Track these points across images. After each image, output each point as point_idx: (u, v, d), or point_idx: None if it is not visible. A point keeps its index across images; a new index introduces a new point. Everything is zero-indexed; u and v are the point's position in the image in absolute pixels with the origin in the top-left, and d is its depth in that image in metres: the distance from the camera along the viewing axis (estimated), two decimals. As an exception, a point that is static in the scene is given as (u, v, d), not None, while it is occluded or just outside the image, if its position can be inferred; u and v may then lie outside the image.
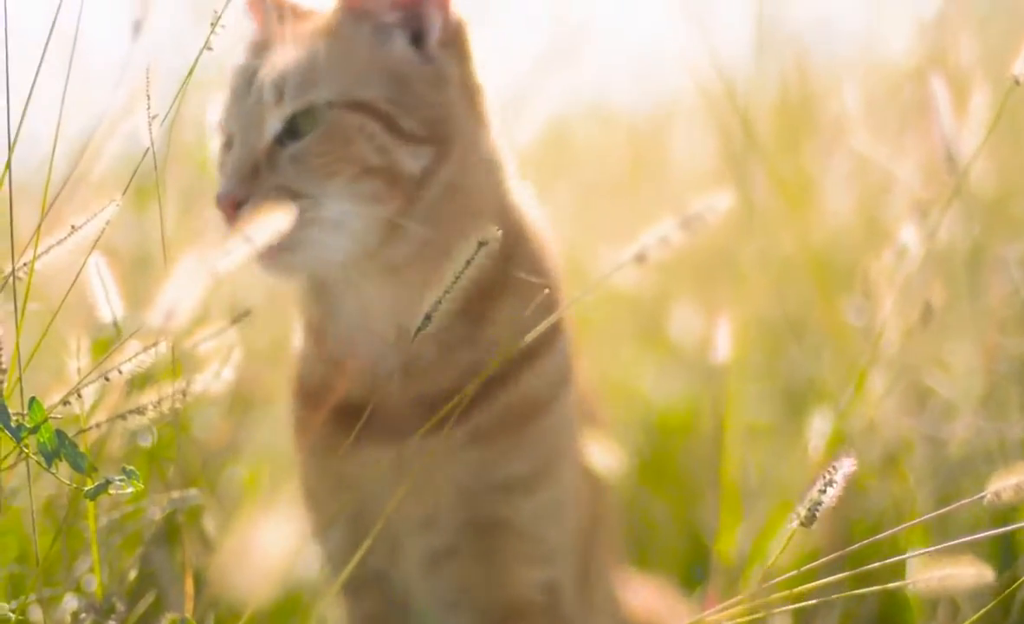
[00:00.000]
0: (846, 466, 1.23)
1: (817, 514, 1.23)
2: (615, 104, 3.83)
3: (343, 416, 1.53)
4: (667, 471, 2.56)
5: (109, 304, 1.34)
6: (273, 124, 1.46)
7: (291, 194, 1.43)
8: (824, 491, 1.23)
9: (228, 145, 1.49)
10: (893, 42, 2.71)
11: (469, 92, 1.55)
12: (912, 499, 1.96)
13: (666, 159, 3.46)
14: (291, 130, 1.46)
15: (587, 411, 1.74)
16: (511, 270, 1.50)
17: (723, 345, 1.76)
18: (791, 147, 2.62)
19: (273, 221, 1.08)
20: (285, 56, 1.47)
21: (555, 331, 1.58)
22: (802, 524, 1.24)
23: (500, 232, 1.46)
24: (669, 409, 2.64)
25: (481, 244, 1.21)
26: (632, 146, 3.68)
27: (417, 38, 1.52)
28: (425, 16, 1.52)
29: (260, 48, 1.50)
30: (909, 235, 1.75)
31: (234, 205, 1.42)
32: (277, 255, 1.38)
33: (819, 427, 1.90)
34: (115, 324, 1.33)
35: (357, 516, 1.55)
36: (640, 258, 1.13)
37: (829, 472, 1.23)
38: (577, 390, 1.67)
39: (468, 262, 1.20)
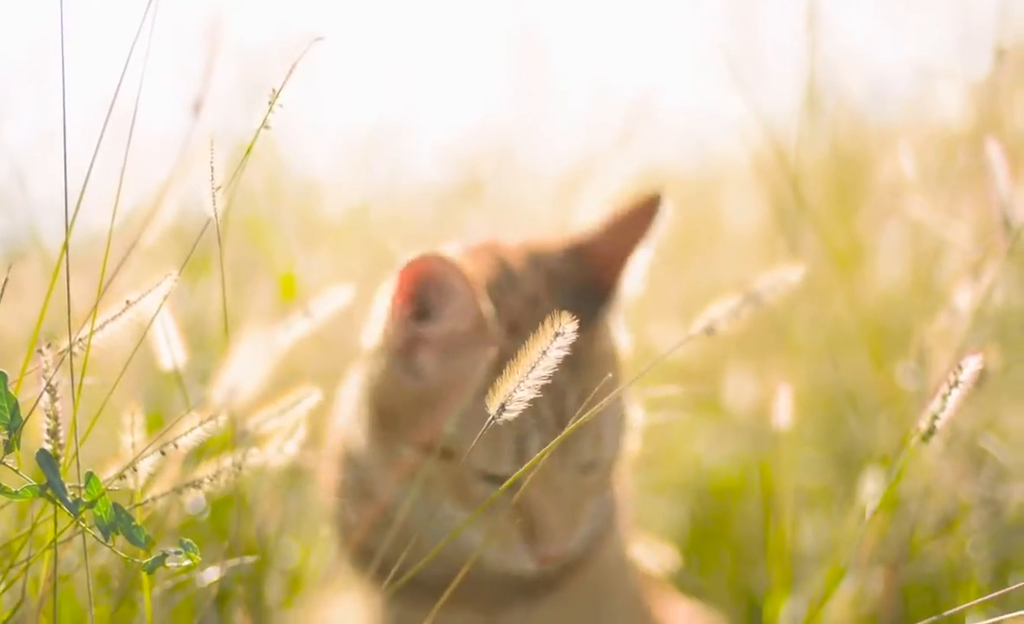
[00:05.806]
0: (972, 364, 1.18)
1: (938, 427, 1.19)
2: (664, 167, 3.82)
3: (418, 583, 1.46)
4: (720, 534, 2.54)
5: (171, 354, 1.34)
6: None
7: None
8: (947, 396, 1.19)
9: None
10: (944, 103, 2.70)
11: None
12: (968, 563, 1.94)
13: (717, 223, 3.45)
14: None
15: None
16: None
17: (783, 411, 1.74)
18: (843, 211, 2.61)
19: (335, 296, 1.08)
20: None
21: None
22: (922, 440, 1.21)
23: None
24: (722, 473, 2.62)
25: None
26: (682, 210, 3.67)
27: None
28: None
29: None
30: (963, 298, 1.73)
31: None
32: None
33: (872, 490, 1.88)
34: (176, 372, 1.33)
35: None
36: (709, 331, 1.12)
37: (954, 374, 1.18)
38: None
39: None
